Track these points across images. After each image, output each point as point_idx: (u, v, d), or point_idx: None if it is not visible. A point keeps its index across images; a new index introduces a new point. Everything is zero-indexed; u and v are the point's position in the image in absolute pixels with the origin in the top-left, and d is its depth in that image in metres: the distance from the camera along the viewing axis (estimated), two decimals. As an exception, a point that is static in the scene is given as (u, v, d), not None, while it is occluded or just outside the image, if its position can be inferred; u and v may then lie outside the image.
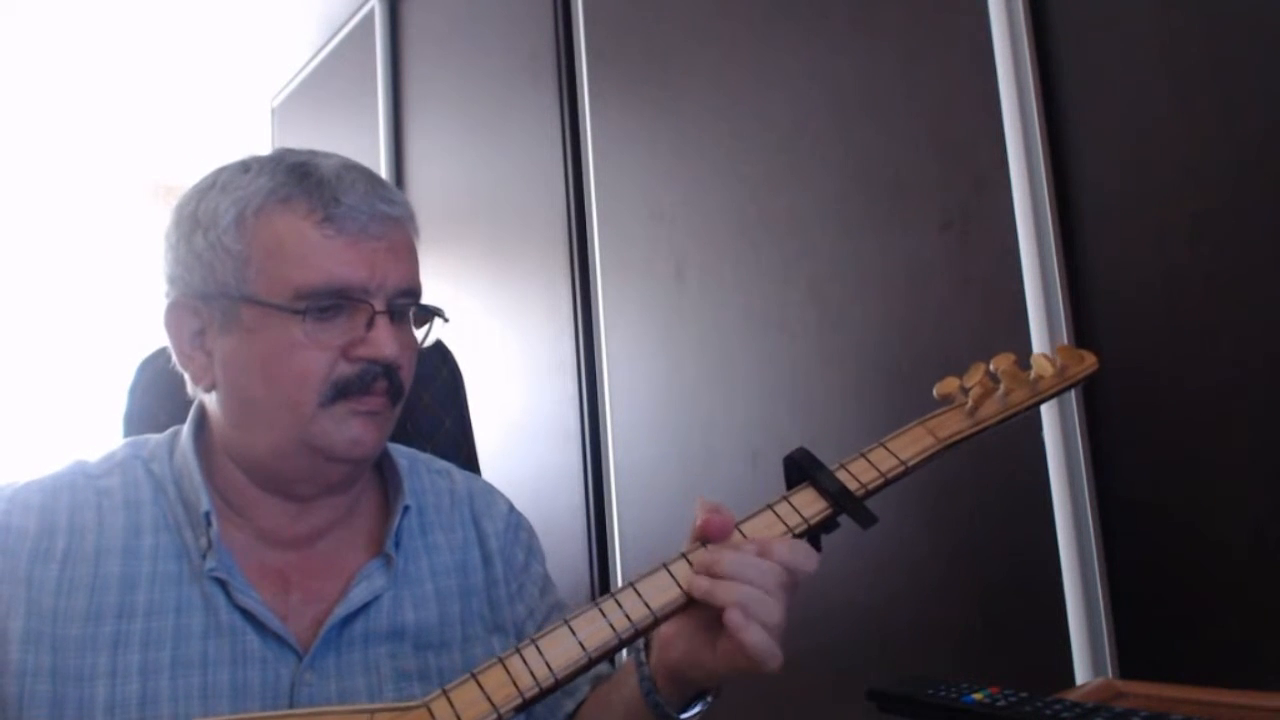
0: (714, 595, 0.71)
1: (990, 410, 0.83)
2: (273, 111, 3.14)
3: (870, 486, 0.78)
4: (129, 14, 2.70)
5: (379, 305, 0.82)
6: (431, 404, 1.16)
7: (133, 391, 1.10)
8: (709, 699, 0.79)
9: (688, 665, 0.76)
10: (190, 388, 0.88)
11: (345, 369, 0.81)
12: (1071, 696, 0.80)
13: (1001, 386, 0.83)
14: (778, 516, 0.77)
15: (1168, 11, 1.07)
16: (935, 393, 0.84)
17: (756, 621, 0.70)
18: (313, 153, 0.86)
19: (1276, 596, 0.97)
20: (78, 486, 0.85)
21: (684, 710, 0.78)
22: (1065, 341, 1.13)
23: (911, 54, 1.32)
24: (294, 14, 2.74)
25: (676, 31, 1.68)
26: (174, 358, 0.87)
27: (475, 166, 2.22)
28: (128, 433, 1.08)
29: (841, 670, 1.36)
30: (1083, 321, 1.13)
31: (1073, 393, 1.12)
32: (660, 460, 1.68)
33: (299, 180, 0.82)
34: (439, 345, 1.20)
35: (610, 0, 1.83)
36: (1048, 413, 1.13)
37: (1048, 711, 0.72)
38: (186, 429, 0.88)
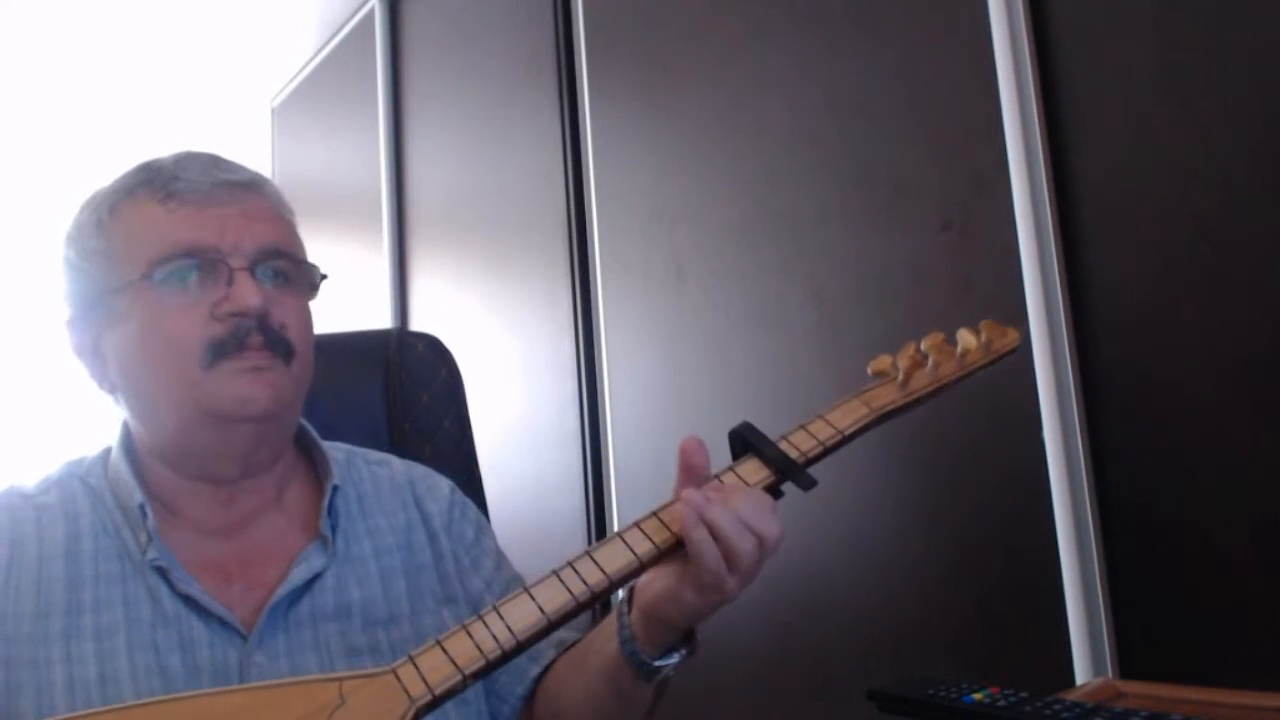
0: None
1: (920, 382, 0.88)
2: (273, 111, 3.14)
3: (810, 454, 0.83)
4: (129, 14, 2.70)
5: (236, 263, 0.84)
6: (431, 404, 1.16)
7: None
8: (684, 653, 0.82)
9: (664, 600, 0.78)
10: (113, 403, 0.91)
11: (216, 329, 0.83)
12: (1071, 696, 0.80)
13: (930, 360, 0.88)
14: None
15: (1167, 12, 1.07)
16: (869, 369, 0.89)
17: (707, 521, 0.75)
18: (159, 155, 0.91)
19: (1276, 596, 0.97)
20: (15, 506, 0.89)
21: (660, 660, 0.81)
22: (1066, 341, 1.13)
23: (911, 54, 1.32)
24: (294, 14, 2.74)
25: (676, 31, 1.68)
26: (90, 379, 0.91)
27: (475, 166, 2.22)
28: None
29: (841, 670, 1.36)
30: (1083, 322, 1.13)
31: (1073, 393, 1.12)
32: (660, 460, 1.68)
33: (142, 173, 0.88)
34: (438, 345, 1.20)
35: (610, 0, 1.83)
36: (1048, 413, 1.13)
37: (1048, 711, 0.72)
38: (116, 441, 0.92)
